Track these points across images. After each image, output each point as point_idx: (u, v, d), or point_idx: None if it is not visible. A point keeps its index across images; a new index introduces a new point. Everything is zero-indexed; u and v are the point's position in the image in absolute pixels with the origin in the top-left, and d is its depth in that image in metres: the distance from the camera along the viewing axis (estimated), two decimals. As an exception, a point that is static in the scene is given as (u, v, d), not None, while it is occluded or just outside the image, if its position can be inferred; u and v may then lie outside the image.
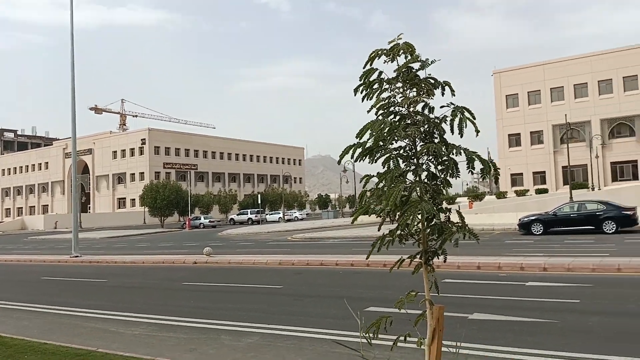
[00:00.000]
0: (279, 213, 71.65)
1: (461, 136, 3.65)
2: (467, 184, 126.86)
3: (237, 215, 70.19)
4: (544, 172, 63.25)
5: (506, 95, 65.91)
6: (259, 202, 69.95)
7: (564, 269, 13.24)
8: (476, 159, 3.58)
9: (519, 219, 27.02)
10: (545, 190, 52.71)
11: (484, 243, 22.69)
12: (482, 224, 32.11)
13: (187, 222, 60.25)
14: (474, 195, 54.80)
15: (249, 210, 69.81)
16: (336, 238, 30.79)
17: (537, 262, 14.14)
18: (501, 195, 51.62)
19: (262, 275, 15.97)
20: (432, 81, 3.75)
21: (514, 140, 65.50)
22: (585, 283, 11.49)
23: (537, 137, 64.04)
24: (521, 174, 64.59)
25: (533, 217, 26.22)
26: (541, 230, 25.27)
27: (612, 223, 23.69)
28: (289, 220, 67.50)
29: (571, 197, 34.99)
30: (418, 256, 3.84)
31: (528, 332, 7.70)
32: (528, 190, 55.01)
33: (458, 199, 56.89)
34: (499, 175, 3.69)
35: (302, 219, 70.68)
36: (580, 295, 10.22)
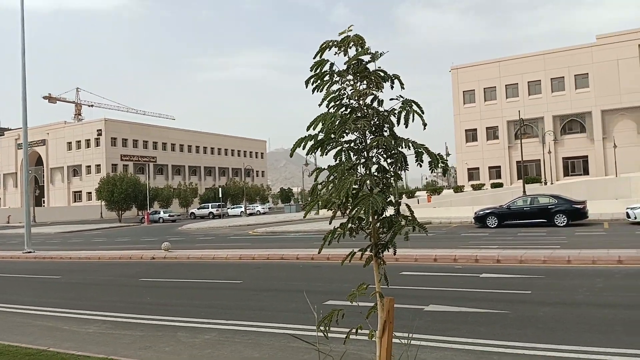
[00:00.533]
0: (241, 207, 71.11)
1: (406, 127, 3.70)
2: (426, 178, 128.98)
3: (198, 209, 69.26)
4: (499, 166, 64.99)
5: (463, 91, 67.31)
6: (220, 195, 69.30)
7: (516, 260, 13.65)
8: (424, 152, 3.63)
9: (475, 212, 27.67)
10: (500, 185, 54.11)
11: (441, 236, 23.19)
12: (440, 217, 32.78)
13: (145, 217, 59.04)
14: (433, 189, 55.75)
15: (210, 204, 68.94)
16: (298, 232, 30.82)
17: (491, 254, 14.53)
18: (458, 189, 52.73)
19: (222, 270, 15.84)
20: (382, 74, 3.78)
21: (471, 135, 67.00)
22: (537, 274, 11.87)
23: (492, 133, 65.71)
24: (477, 168, 66.18)
25: (488, 211, 26.90)
26: (496, 223, 25.97)
27: (564, 216, 24.54)
28: (250, 214, 67.11)
29: (524, 191, 36.05)
30: (369, 249, 3.88)
31: (481, 322, 7.90)
32: (484, 184, 56.37)
33: (417, 193, 57.77)
34: (447, 168, 3.76)
35: (264, 213, 70.39)
36: (532, 287, 10.56)
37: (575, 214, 24.71)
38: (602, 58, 59.03)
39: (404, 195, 50.22)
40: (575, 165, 62.01)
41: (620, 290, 9.98)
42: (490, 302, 9.21)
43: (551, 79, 62.08)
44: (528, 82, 63.33)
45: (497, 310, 8.56)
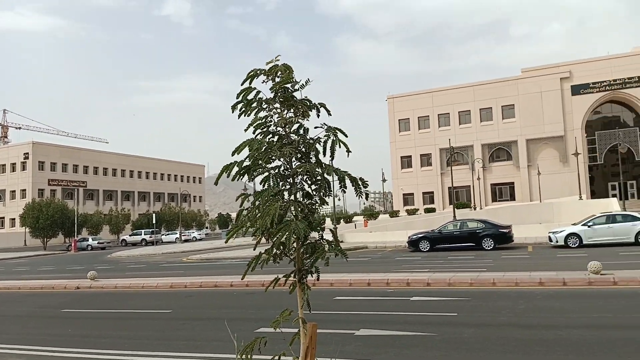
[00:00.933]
0: (176, 233, 69.21)
1: (332, 156, 3.79)
2: (364, 203, 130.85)
3: (130, 235, 66.77)
4: (432, 192, 67.15)
5: (399, 120, 69.51)
6: (154, 221, 67.12)
7: (445, 283, 14.05)
8: (347, 177, 3.73)
9: (409, 237, 28.31)
10: (433, 210, 55.82)
11: (376, 260, 23.53)
12: (375, 241, 33.30)
13: (72, 244, 56.34)
14: (370, 214, 56.65)
15: (142, 231, 66.67)
16: (234, 258, 30.27)
17: (422, 277, 14.87)
18: (394, 214, 53.89)
19: (151, 299, 15.29)
20: (308, 102, 3.87)
21: (406, 162, 69.02)
22: (464, 297, 12.25)
23: (426, 160, 68.02)
24: (412, 194, 68.07)
25: (421, 235, 27.60)
26: (428, 247, 26.64)
27: (491, 240, 25.54)
28: (186, 241, 65.37)
29: (455, 216, 37.32)
30: (293, 275, 3.90)
31: (408, 345, 8.04)
32: (418, 209, 57.94)
33: (355, 218, 58.49)
34: (368, 191, 3.87)
35: (200, 239, 68.74)
36: (459, 309, 10.88)
37: (502, 238, 25.77)
38: (527, 90, 62.83)
39: (342, 220, 50.71)
40: (503, 191, 65.04)
41: (540, 311, 10.46)
42: (419, 325, 9.41)
43: (480, 109, 65.29)
44: (459, 112, 66.31)
45: (424, 333, 8.75)
